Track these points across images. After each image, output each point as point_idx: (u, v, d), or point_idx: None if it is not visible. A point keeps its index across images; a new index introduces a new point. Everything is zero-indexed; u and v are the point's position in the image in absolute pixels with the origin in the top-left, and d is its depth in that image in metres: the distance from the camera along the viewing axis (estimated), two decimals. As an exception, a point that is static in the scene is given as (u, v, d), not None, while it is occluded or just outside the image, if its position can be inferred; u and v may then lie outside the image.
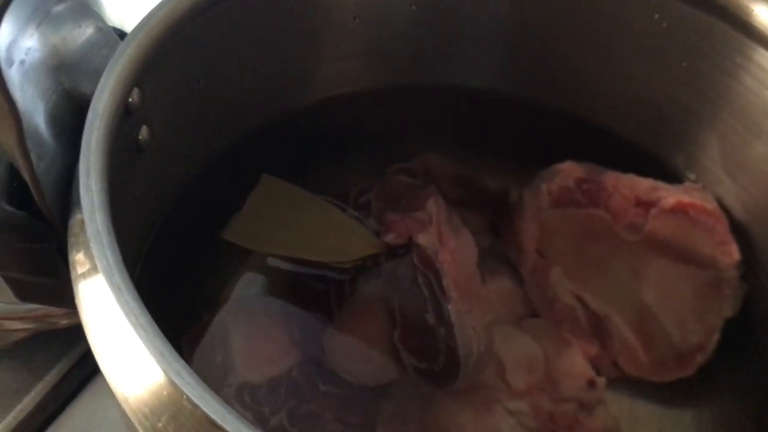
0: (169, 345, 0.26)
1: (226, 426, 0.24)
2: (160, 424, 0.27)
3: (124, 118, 0.36)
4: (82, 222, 0.29)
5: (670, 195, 0.46)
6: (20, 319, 0.52)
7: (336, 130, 0.54)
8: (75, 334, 0.51)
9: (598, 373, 0.47)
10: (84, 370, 0.53)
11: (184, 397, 0.25)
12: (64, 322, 0.52)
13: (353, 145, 0.54)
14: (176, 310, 0.46)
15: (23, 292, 0.35)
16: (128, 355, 0.28)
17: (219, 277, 0.50)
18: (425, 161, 0.53)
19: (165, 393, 0.27)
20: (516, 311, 0.49)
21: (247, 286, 0.49)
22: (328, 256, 0.46)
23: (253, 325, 0.47)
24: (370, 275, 0.46)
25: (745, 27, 0.42)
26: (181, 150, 0.45)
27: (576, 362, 0.47)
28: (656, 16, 0.46)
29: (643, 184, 0.47)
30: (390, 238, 0.46)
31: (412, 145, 0.54)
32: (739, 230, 0.46)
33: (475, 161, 0.54)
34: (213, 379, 0.44)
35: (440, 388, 0.44)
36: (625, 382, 0.47)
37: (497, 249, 0.51)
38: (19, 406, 0.52)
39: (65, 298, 0.32)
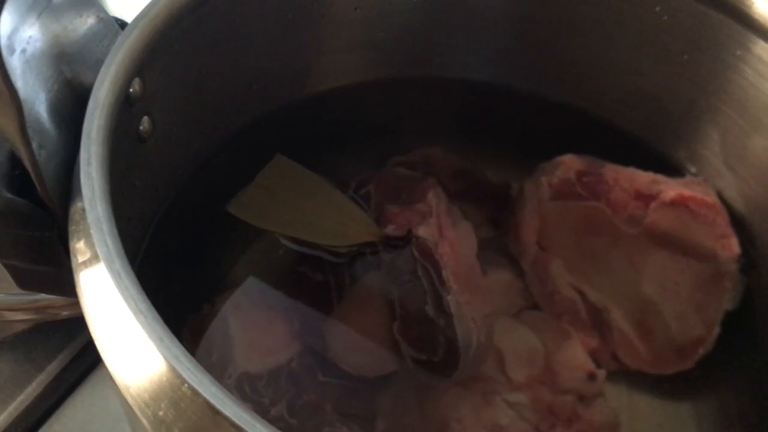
0: (168, 331, 0.26)
1: (225, 411, 0.24)
2: (161, 413, 0.27)
3: (126, 108, 0.37)
4: (83, 210, 0.30)
5: (670, 188, 0.46)
6: (21, 310, 0.52)
7: (337, 121, 0.54)
8: (76, 325, 0.51)
9: (598, 365, 0.47)
10: (85, 361, 0.54)
11: (184, 383, 0.26)
12: (65, 313, 0.52)
13: (354, 136, 0.54)
14: (177, 301, 0.46)
15: (24, 281, 0.35)
16: (129, 342, 0.28)
17: (220, 268, 0.50)
18: (425, 154, 0.54)
19: (165, 380, 0.27)
20: (516, 303, 0.49)
21: (248, 276, 0.49)
22: (324, 239, 0.47)
23: (253, 315, 0.47)
24: (369, 266, 0.46)
25: (745, 19, 0.42)
26: (183, 141, 0.45)
27: (576, 355, 0.47)
28: (657, 9, 0.46)
29: (643, 178, 0.47)
30: (390, 229, 0.46)
31: (413, 138, 0.54)
32: (739, 223, 0.46)
33: (476, 154, 0.54)
34: (213, 369, 0.45)
35: (440, 379, 0.44)
36: (625, 375, 0.47)
37: (497, 241, 0.51)
38: (21, 397, 0.52)
39: (66, 286, 0.32)
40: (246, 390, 0.44)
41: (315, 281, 0.48)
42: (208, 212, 0.48)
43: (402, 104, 0.55)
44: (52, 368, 0.53)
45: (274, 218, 0.48)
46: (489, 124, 0.55)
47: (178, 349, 0.25)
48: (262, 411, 0.43)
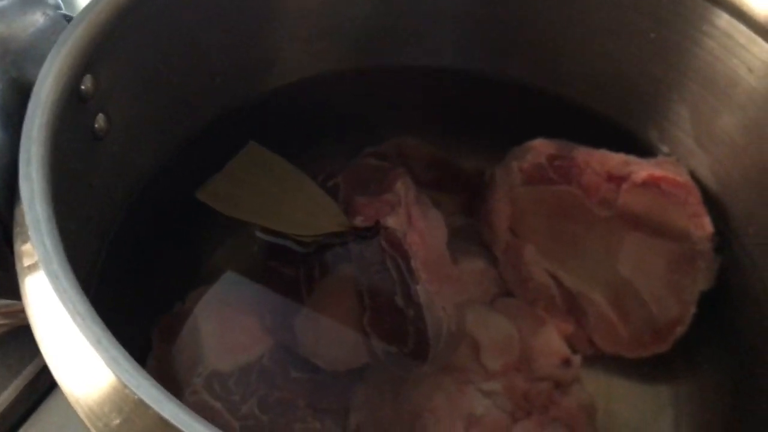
0: (108, 333, 0.25)
1: (164, 413, 0.23)
2: (113, 423, 0.26)
3: (76, 105, 0.36)
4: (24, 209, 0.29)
5: (641, 169, 0.45)
6: (-6, 315, 0.51)
7: (306, 113, 0.53)
8: (48, 328, 0.50)
9: (574, 351, 0.46)
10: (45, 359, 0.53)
11: (126, 387, 0.25)
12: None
13: (325, 128, 0.53)
14: (146, 300, 0.46)
15: (-26, 285, 0.34)
16: (73, 348, 0.27)
17: (189, 266, 0.49)
18: (398, 144, 0.53)
19: (110, 385, 0.26)
20: (490, 291, 0.49)
21: (219, 273, 0.48)
22: (291, 228, 0.46)
23: (223, 313, 0.46)
24: (339, 259, 0.46)
25: (709, -7, 0.41)
26: (143, 137, 0.44)
27: (551, 340, 0.46)
28: (623, -14, 0.45)
29: (614, 159, 0.46)
30: (358, 220, 0.45)
31: (386, 127, 0.54)
32: (712, 202, 0.45)
33: (449, 142, 0.54)
34: (184, 368, 0.44)
35: (411, 370, 0.43)
36: (601, 360, 0.47)
37: (471, 229, 0.51)
38: (-4, 402, 0.51)
39: (15, 289, 0.31)
40: (216, 388, 0.43)
41: (285, 276, 0.47)
42: (175, 209, 0.48)
43: (371, 94, 0.54)
44: (28, 372, 0.53)
45: (243, 206, 0.47)
46: (461, 111, 0.54)
47: (117, 351, 0.25)
48: (232, 409, 0.42)
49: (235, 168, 0.48)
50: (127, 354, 0.25)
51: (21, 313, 0.51)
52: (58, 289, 0.26)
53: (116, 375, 0.24)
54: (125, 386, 0.25)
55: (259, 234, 0.48)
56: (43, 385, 0.53)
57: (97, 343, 0.25)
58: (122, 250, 0.44)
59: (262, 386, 0.44)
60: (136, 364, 0.25)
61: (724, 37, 0.42)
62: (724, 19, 0.41)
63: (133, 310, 0.45)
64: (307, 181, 0.49)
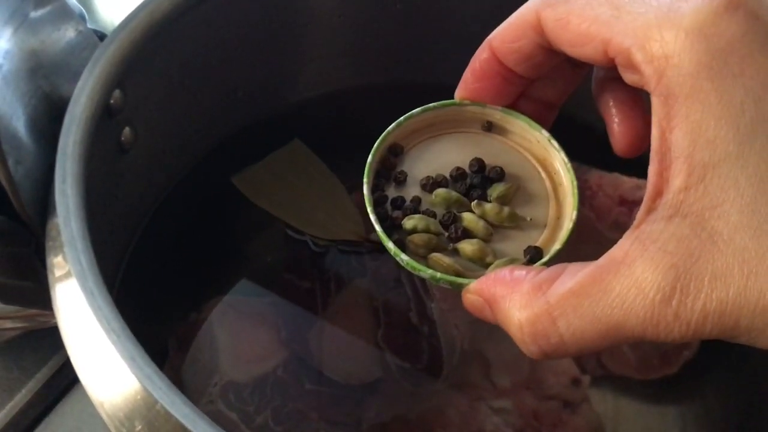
0: (141, 349, 0.26)
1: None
2: (137, 429, 0.27)
3: (106, 120, 0.37)
4: (60, 226, 0.30)
5: (654, 193, 0.46)
6: (10, 318, 0.52)
7: (325, 128, 0.54)
8: (64, 332, 0.51)
9: (583, 371, 0.47)
10: (74, 368, 0.54)
11: (158, 403, 0.26)
12: (54, 320, 0.52)
13: (343, 143, 0.54)
14: (164, 310, 0.47)
15: (3, 295, 0.35)
16: (103, 359, 0.28)
17: (207, 277, 0.50)
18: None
19: (139, 398, 0.27)
20: (502, 309, 0.49)
21: (235, 285, 0.49)
22: (310, 229, 0.48)
23: (239, 324, 0.47)
24: (355, 274, 0.47)
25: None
26: (167, 149, 0.45)
27: (560, 360, 0.47)
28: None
29: (626, 183, 0.47)
30: (374, 236, 0.46)
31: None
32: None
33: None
34: (199, 378, 0.45)
35: (424, 386, 0.44)
36: (610, 380, 0.47)
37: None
38: (11, 404, 0.52)
39: (45, 300, 0.32)
40: (231, 399, 0.44)
41: (301, 289, 0.48)
42: (194, 219, 0.49)
43: (391, 109, 0.55)
44: (42, 375, 0.53)
45: (271, 198, 0.49)
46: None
47: (150, 369, 0.26)
48: (246, 420, 0.43)
49: (274, 161, 0.50)
50: (159, 371, 0.26)
51: (36, 316, 0.52)
52: (93, 306, 0.27)
53: (149, 392, 0.25)
54: (156, 401, 0.25)
55: (288, 231, 0.49)
56: (58, 387, 0.53)
57: (131, 360, 0.26)
58: (142, 260, 0.45)
59: (276, 398, 0.44)
60: (168, 381, 0.26)
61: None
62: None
63: (150, 319, 0.45)
64: (339, 187, 0.50)
